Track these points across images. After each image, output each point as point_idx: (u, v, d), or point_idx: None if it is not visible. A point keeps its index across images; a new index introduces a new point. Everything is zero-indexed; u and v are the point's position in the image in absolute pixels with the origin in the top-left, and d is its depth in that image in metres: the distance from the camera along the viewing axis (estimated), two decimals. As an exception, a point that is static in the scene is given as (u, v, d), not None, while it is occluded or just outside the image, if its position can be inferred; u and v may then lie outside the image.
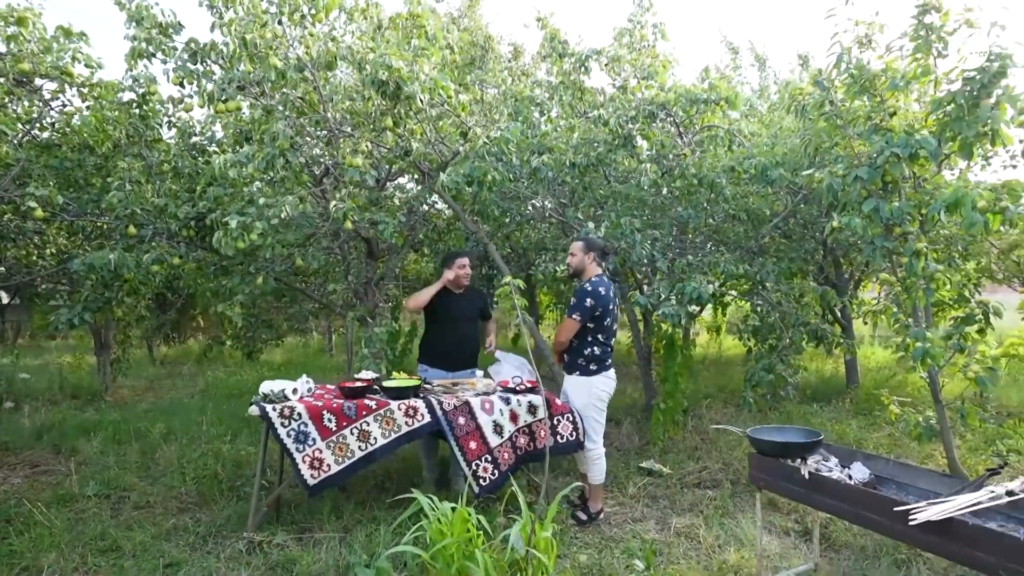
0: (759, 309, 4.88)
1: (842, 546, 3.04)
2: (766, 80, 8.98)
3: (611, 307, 3.34)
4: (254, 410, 2.95)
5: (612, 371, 3.43)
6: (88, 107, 4.23)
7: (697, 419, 5.33)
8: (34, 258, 5.32)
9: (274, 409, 2.91)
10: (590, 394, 3.32)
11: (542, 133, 4.30)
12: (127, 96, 4.36)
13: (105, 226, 4.04)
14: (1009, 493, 1.81)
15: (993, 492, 1.78)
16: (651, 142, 4.22)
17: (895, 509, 1.75)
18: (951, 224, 4.92)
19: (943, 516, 1.64)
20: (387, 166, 4.67)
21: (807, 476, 2.11)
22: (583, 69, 4.88)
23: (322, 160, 3.82)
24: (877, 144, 3.15)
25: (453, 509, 2.32)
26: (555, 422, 3.25)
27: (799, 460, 2.25)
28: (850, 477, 2.17)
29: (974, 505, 1.71)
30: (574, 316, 3.24)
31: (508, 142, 3.49)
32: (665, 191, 4.74)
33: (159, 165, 4.47)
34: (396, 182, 5.55)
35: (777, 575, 2.64)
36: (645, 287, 4.73)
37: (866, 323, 8.07)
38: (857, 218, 3.24)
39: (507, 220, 5.57)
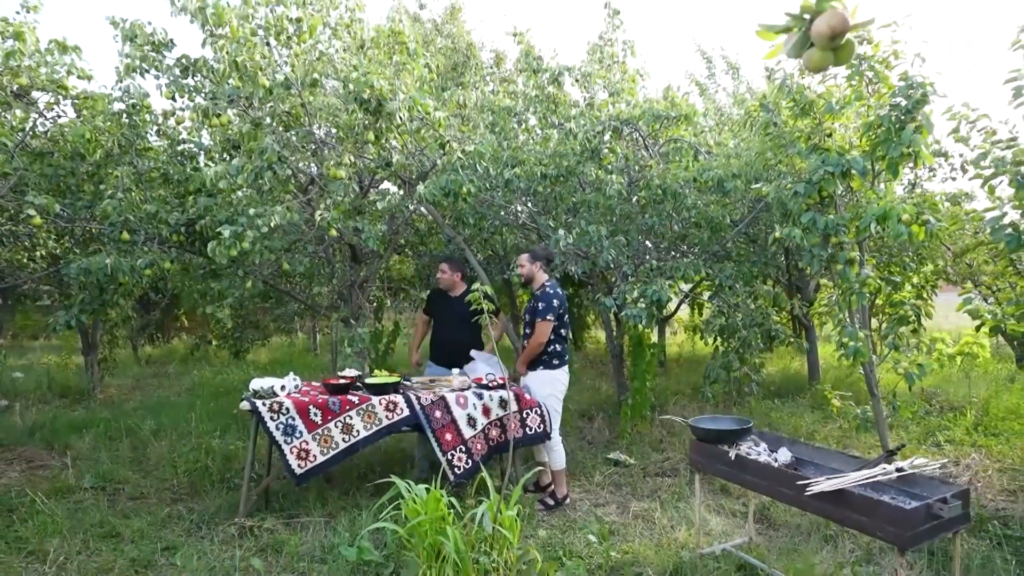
0: (723, 310, 5.23)
1: (781, 525, 3.37)
2: (739, 88, 9.36)
3: (566, 305, 3.71)
4: (245, 405, 3.19)
5: (567, 366, 3.76)
6: (81, 119, 4.41)
7: (664, 413, 5.66)
8: (25, 261, 5.48)
9: (264, 404, 3.16)
10: (552, 387, 3.64)
11: (514, 147, 4.58)
12: (118, 107, 4.55)
13: (95, 231, 4.23)
14: (899, 470, 2.13)
15: (885, 469, 2.11)
16: (616, 155, 4.53)
17: (798, 483, 2.07)
18: (882, 234, 5.29)
19: (834, 488, 1.96)
20: (370, 175, 4.92)
21: (733, 458, 2.42)
22: (556, 83, 5.18)
23: (307, 171, 4.07)
24: (814, 163, 3.49)
25: (427, 490, 2.60)
26: (524, 415, 3.54)
27: (730, 445, 2.57)
28: (775, 460, 2.49)
29: (866, 480, 2.04)
30: (548, 318, 3.54)
31: (482, 155, 3.77)
32: (634, 200, 5.06)
33: (148, 172, 4.68)
34: (379, 188, 5.79)
35: (714, 546, 2.96)
36: (615, 290, 5.04)
37: (815, 323, 8.51)
38: (797, 229, 3.58)
39: (485, 225, 5.86)
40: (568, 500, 3.71)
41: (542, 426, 3.55)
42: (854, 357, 3.47)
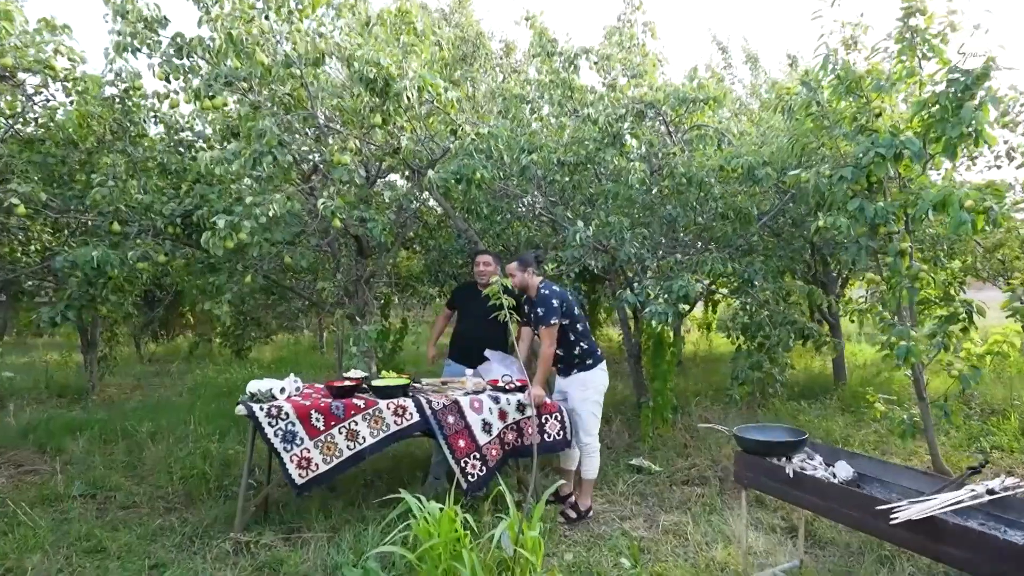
0: (747, 307, 4.92)
1: (827, 543, 3.07)
2: (757, 78, 9.03)
3: (571, 299, 3.43)
4: (241, 410, 2.93)
5: (604, 363, 3.49)
6: (72, 102, 4.17)
7: (687, 416, 5.37)
8: (18, 255, 5.25)
9: (261, 409, 2.90)
10: (592, 388, 3.38)
11: (530, 132, 4.29)
12: (110, 91, 4.31)
13: (90, 223, 3.99)
14: (990, 492, 1.84)
15: (974, 491, 1.81)
16: (640, 140, 4.23)
17: (877, 508, 1.78)
18: (937, 224, 4.96)
19: (924, 515, 1.67)
20: (377, 163, 4.65)
21: (791, 475, 2.13)
22: (572, 68, 4.88)
23: (310, 157, 3.80)
24: (862, 145, 3.18)
25: (440, 509, 2.32)
26: (543, 420, 3.26)
27: (783, 459, 2.28)
28: (834, 475, 2.20)
29: (955, 504, 1.74)
30: (552, 322, 3.26)
31: (497, 138, 3.48)
32: (655, 190, 4.76)
33: (144, 162, 4.43)
34: (387, 179, 5.53)
35: (763, 572, 2.67)
36: (635, 285, 4.75)
37: (852, 321, 8.17)
38: (843, 217, 3.27)
39: (497, 218, 5.58)
40: (592, 512, 3.43)
41: (562, 433, 3.27)
42: (905, 358, 3.16)
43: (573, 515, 3.38)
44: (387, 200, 4.34)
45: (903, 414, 3.70)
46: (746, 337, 4.85)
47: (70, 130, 3.95)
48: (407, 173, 4.62)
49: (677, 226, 4.79)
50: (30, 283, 5.64)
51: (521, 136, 4.22)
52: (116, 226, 3.69)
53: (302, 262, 3.76)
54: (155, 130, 4.74)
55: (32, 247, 5.41)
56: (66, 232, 5.05)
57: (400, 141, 3.83)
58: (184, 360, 9.25)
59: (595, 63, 4.74)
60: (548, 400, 3.30)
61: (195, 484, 3.77)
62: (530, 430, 3.23)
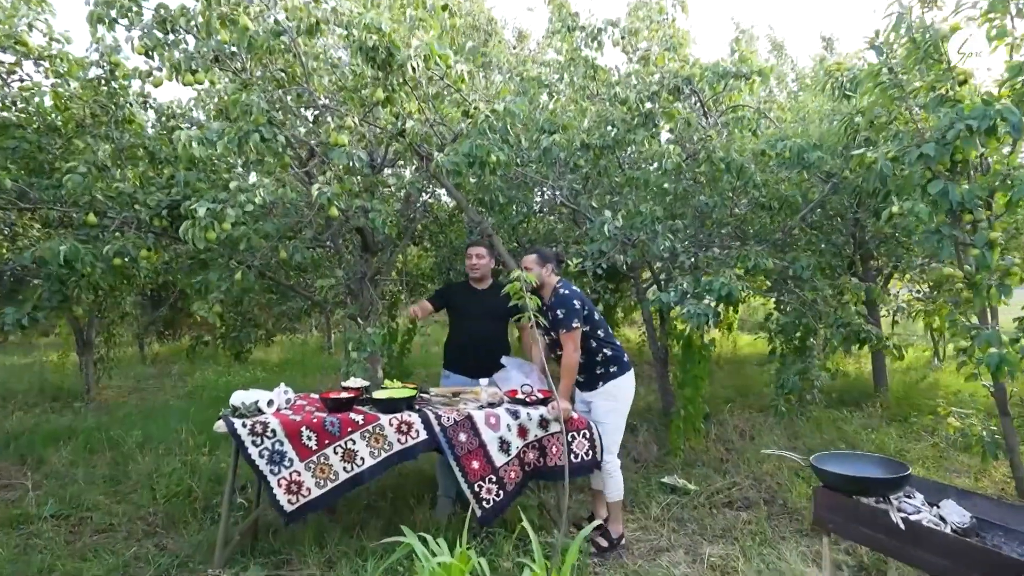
0: (787, 307, 4.45)
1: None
2: (784, 66, 8.52)
3: (589, 300, 3.05)
4: (220, 426, 2.54)
5: (632, 369, 3.08)
6: (52, 84, 3.81)
7: (719, 426, 4.91)
8: (3, 251, 4.93)
9: (244, 425, 2.51)
10: (621, 399, 2.97)
11: (551, 111, 3.86)
12: (94, 72, 3.95)
13: (70, 215, 3.63)
14: None
15: None
16: (675, 121, 3.78)
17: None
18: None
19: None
20: (382, 149, 4.25)
21: (902, 526, 1.68)
22: (596, 44, 4.44)
23: (307, 140, 3.40)
24: (946, 117, 2.71)
25: (450, 543, 1.91)
26: (569, 438, 2.83)
27: (881, 499, 1.83)
28: (942, 519, 1.75)
29: None
30: (574, 325, 2.84)
31: (513, 115, 3.05)
32: (687, 177, 4.30)
33: (132, 149, 4.07)
34: (395, 169, 5.12)
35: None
36: (668, 283, 4.30)
37: (897, 321, 7.60)
38: (921, 203, 2.80)
39: (513, 211, 5.15)
40: (624, 540, 3.00)
41: (591, 452, 2.84)
42: (997, 369, 2.68)
43: (604, 544, 2.95)
44: (393, 190, 3.94)
45: (979, 428, 3.23)
46: (786, 339, 4.38)
47: (50, 115, 3.58)
48: (415, 160, 4.22)
49: (713, 217, 4.33)
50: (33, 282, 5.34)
51: (541, 116, 3.78)
52: (92, 217, 3.32)
53: (296, 257, 3.36)
54: (147, 116, 4.37)
55: (19, 243, 5.09)
56: (56, 226, 4.72)
57: (406, 123, 3.41)
58: (188, 361, 8.95)
59: (621, 38, 4.29)
60: (575, 414, 2.87)
61: (179, 504, 3.40)
62: (554, 448, 2.80)
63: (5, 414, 5.31)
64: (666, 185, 4.11)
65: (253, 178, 2.99)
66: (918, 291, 7.01)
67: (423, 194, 5.17)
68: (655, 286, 5.22)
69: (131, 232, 3.58)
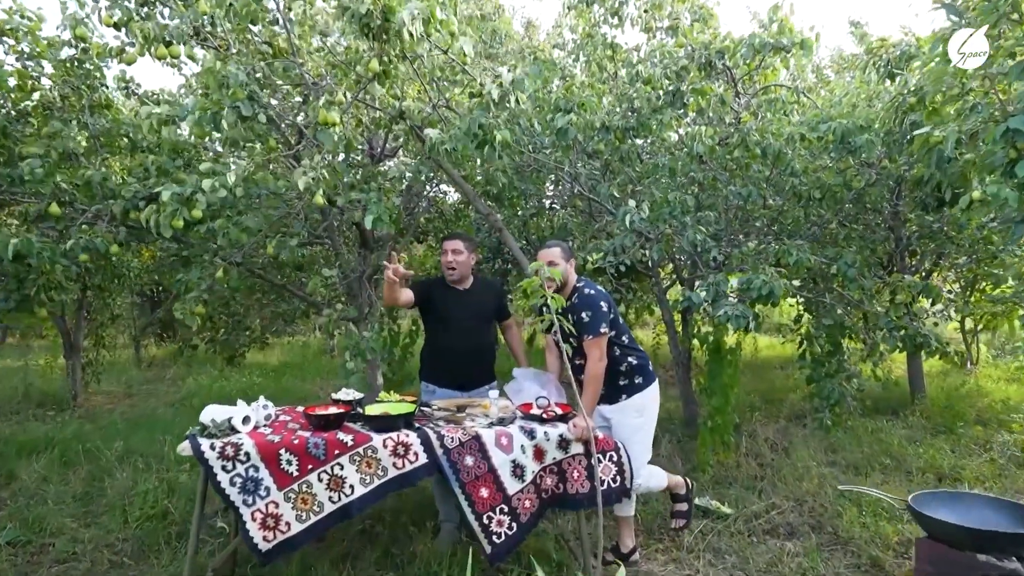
0: (825, 307, 4.04)
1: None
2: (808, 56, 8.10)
3: (613, 301, 2.67)
4: (185, 448, 2.17)
5: (656, 380, 2.70)
6: (17, 63, 3.47)
7: (750, 439, 4.49)
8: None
9: (212, 447, 2.13)
10: (648, 414, 2.63)
11: (567, 86, 3.47)
12: (67, 53, 3.61)
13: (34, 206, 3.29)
14: None
15: None
16: (707, 99, 3.38)
17: None
18: None
19: None
20: (381, 135, 3.88)
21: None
22: (616, 19, 4.05)
23: (294, 121, 3.03)
24: (1038, 84, 2.30)
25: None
26: (594, 461, 2.44)
27: (1009, 558, 1.42)
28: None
29: None
30: (601, 330, 2.46)
31: (522, 87, 2.66)
32: (717, 164, 3.90)
33: (111, 137, 3.72)
34: (397, 161, 4.75)
35: None
36: (696, 281, 3.90)
37: (936, 324, 7.14)
38: (1006, 187, 2.39)
39: (525, 204, 4.77)
40: (636, 556, 2.65)
41: (619, 478, 2.44)
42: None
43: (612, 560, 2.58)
44: (392, 183, 3.57)
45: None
46: (829, 342, 3.97)
47: (11, 93, 3.24)
48: (418, 148, 3.84)
49: (747, 209, 3.93)
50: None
51: (554, 95, 3.39)
52: (55, 208, 2.97)
53: (283, 253, 2.99)
54: (130, 103, 4.03)
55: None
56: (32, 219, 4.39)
57: (406, 102, 3.04)
58: (184, 366, 8.63)
59: (644, 11, 3.89)
60: (600, 433, 2.47)
61: (153, 529, 3.03)
62: (575, 473, 2.41)
63: (-19, 422, 4.99)
64: (693, 173, 3.71)
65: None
66: (949, 291, 6.57)
67: (427, 186, 4.81)
68: (678, 284, 4.83)
69: (103, 225, 3.23)
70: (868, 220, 4.87)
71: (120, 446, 4.24)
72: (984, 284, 6.06)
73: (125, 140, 3.87)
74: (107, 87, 3.75)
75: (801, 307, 4.94)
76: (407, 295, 2.80)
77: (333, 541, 2.88)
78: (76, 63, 3.61)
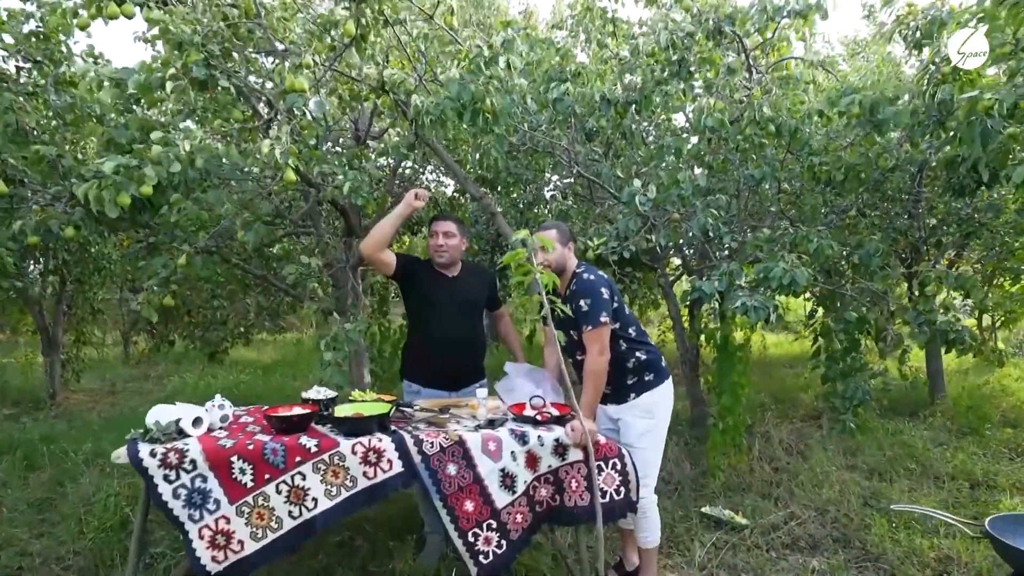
0: (845, 301, 3.74)
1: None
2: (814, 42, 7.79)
3: (617, 289, 2.37)
4: (120, 456, 1.89)
5: (670, 376, 2.41)
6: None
7: (764, 441, 4.19)
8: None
9: (153, 454, 1.85)
10: (660, 417, 2.32)
11: (563, 53, 3.18)
12: (30, 27, 3.34)
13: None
14: None
15: None
16: (715, 68, 3.08)
17: None
18: None
19: None
20: (367, 111, 3.59)
21: None
22: (619, -8, 3.75)
23: (261, 91, 2.74)
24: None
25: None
26: (592, 470, 2.15)
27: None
28: None
29: None
30: (601, 319, 2.16)
31: (512, 48, 2.36)
32: (728, 144, 3.60)
33: (79, 116, 3.44)
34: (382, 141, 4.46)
35: None
36: (700, 270, 3.61)
37: (958, 319, 6.82)
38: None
39: (523, 190, 4.48)
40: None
41: (623, 490, 2.15)
42: None
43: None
44: (377, 161, 3.29)
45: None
46: (847, 338, 3.67)
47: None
48: (404, 127, 3.56)
49: (760, 193, 3.63)
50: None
51: (546, 59, 3.09)
52: (2, 185, 2.69)
53: (250, 236, 2.70)
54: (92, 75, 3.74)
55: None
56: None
57: (387, 71, 2.75)
58: (174, 363, 8.37)
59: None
60: (602, 438, 2.18)
61: (111, 539, 2.76)
62: (574, 483, 2.12)
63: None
64: (704, 153, 3.41)
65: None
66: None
67: (418, 170, 4.52)
68: (686, 275, 4.53)
69: (61, 207, 2.95)
70: (887, 208, 4.57)
71: (89, 448, 3.97)
72: (1002, 279, 5.75)
73: (93, 120, 3.60)
74: (70, 62, 3.47)
75: (813, 301, 4.65)
76: (389, 255, 2.54)
77: (306, 554, 2.60)
78: (39, 36, 3.34)
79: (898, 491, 3.27)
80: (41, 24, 3.34)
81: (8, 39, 3.31)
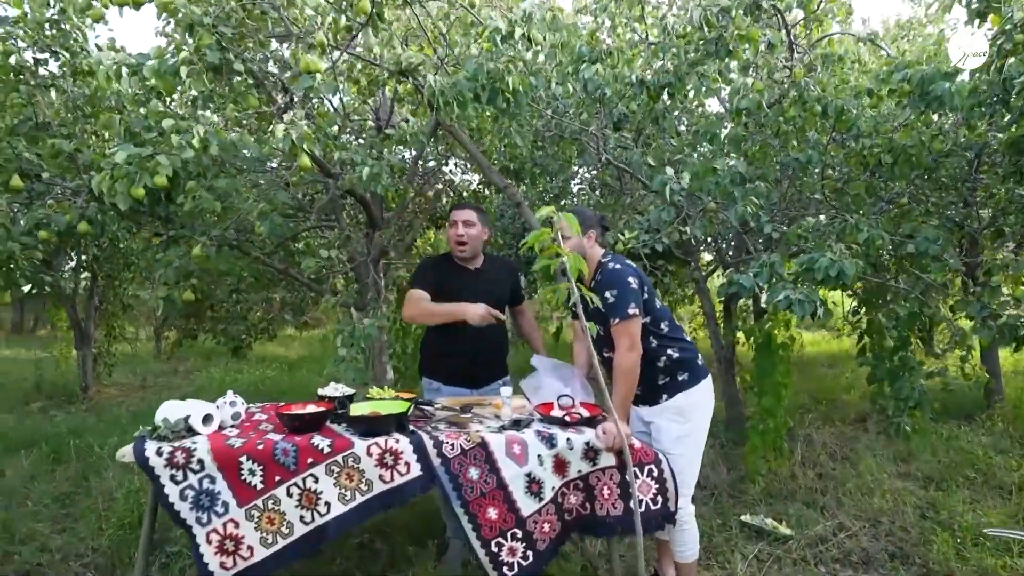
0: (896, 295, 3.48)
1: None
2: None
3: (648, 280, 2.18)
4: (126, 454, 1.81)
5: (709, 376, 2.21)
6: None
7: (806, 445, 3.95)
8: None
9: (159, 453, 1.76)
10: (692, 417, 2.12)
11: (590, 32, 3.00)
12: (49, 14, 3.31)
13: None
14: None
15: None
16: (754, 45, 2.86)
17: None
18: None
19: None
20: (387, 98, 3.48)
21: None
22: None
23: (278, 75, 2.64)
24: None
25: None
26: (629, 477, 1.98)
27: None
28: None
29: None
30: (630, 312, 1.98)
31: (532, 21, 2.20)
32: (769, 128, 3.37)
33: (98, 108, 3.42)
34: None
35: None
36: (737, 263, 3.39)
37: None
38: None
39: (549, 181, 4.31)
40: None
41: (660, 499, 1.97)
42: None
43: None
44: (397, 151, 3.18)
45: None
46: (896, 337, 3.40)
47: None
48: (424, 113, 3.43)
49: (803, 179, 3.39)
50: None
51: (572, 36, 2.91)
52: (17, 181, 2.66)
53: (263, 227, 2.60)
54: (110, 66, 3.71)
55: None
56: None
57: (405, 53, 2.62)
58: (204, 357, 8.48)
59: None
60: (636, 442, 2.01)
61: (129, 537, 2.71)
62: (606, 491, 1.95)
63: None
64: (743, 138, 3.19)
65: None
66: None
67: (439, 155, 4.40)
68: (721, 268, 4.30)
69: (79, 201, 2.91)
70: (940, 197, 4.26)
71: (115, 441, 3.98)
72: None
73: (114, 112, 3.58)
74: (88, 52, 3.44)
75: (854, 297, 4.36)
76: (428, 309, 2.42)
77: (323, 558, 2.51)
78: (55, 25, 3.31)
79: (959, 502, 3.00)
80: (58, 14, 3.32)
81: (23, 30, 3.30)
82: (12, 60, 3.12)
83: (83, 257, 5.71)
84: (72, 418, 4.90)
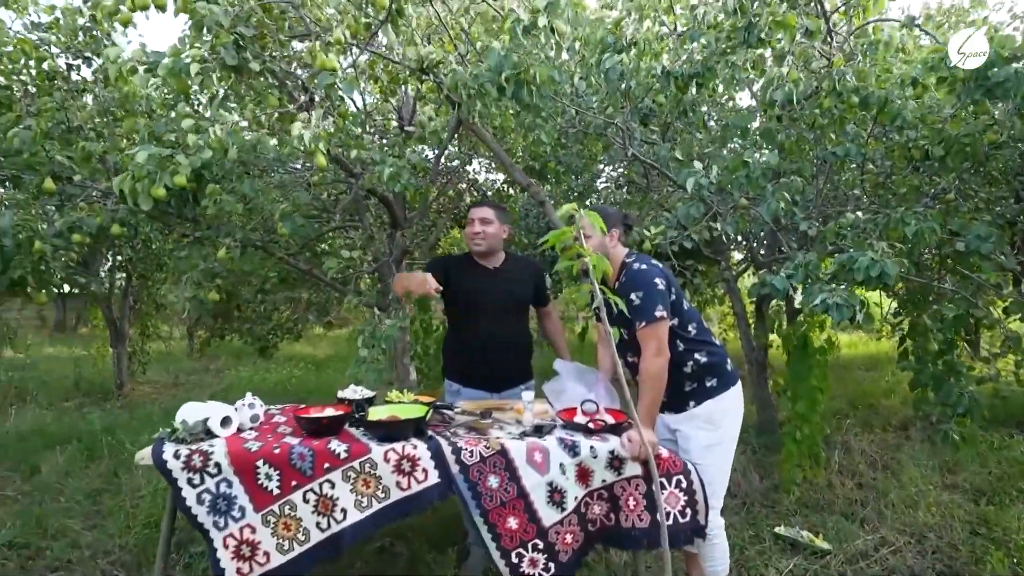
0: (942, 295, 3.28)
1: None
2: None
3: (676, 281, 2.07)
4: (144, 457, 1.80)
5: (739, 382, 2.10)
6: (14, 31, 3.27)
7: (844, 452, 3.77)
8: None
9: (177, 456, 1.75)
10: (721, 425, 2.01)
11: (615, 22, 2.90)
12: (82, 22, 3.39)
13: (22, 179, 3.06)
14: None
15: None
16: (790, 32, 2.71)
17: None
18: None
19: None
20: (410, 96, 3.45)
21: None
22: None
23: (297, 75, 2.62)
24: None
25: None
26: (655, 488, 1.89)
27: None
28: None
29: None
30: (657, 314, 1.88)
31: (554, 8, 2.13)
32: (805, 123, 3.21)
33: (128, 112, 3.48)
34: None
35: None
36: (769, 263, 3.24)
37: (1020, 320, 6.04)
38: None
39: (574, 179, 4.22)
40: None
41: (689, 511, 1.87)
42: None
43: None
44: (419, 150, 3.14)
45: None
46: (945, 338, 3.21)
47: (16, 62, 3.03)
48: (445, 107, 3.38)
49: (843, 174, 3.22)
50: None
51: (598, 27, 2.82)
52: (49, 183, 2.71)
53: (285, 227, 2.60)
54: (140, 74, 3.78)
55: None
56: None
57: (426, 49, 2.57)
58: (234, 356, 8.65)
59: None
60: (664, 451, 1.91)
61: (152, 537, 2.74)
62: (632, 502, 1.87)
63: (23, 411, 4.98)
64: (777, 131, 3.05)
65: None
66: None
67: (461, 154, 4.35)
68: (753, 267, 4.15)
69: (108, 204, 2.96)
70: (991, 192, 4.01)
71: (146, 439, 4.05)
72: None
73: (144, 117, 3.64)
74: (118, 57, 3.50)
75: (895, 297, 4.15)
76: (434, 284, 2.23)
77: (343, 562, 2.48)
78: (87, 32, 3.38)
79: (1013, 518, 2.81)
80: (89, 21, 3.38)
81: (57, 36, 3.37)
82: (45, 66, 3.21)
83: (118, 258, 5.86)
84: (106, 415, 5.02)
